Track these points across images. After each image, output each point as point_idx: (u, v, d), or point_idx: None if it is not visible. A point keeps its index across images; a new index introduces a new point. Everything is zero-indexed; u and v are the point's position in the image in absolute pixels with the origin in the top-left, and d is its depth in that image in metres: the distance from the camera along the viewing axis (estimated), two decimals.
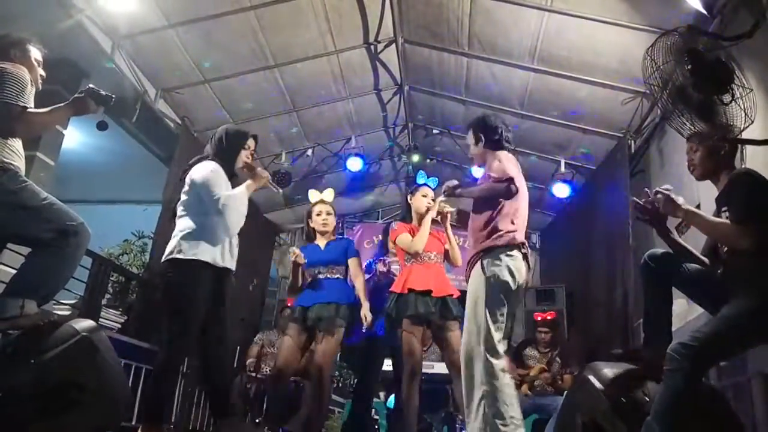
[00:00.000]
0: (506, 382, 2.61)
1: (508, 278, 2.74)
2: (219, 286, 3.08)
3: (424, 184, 4.07)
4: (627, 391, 2.38)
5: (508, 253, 2.79)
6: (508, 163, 2.87)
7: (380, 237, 8.61)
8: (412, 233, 3.78)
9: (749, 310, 2.17)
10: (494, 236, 2.80)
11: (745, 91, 3.11)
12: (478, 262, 2.79)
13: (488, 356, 2.58)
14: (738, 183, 2.38)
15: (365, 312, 3.76)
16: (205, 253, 2.99)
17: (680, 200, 2.43)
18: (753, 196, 2.30)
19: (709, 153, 2.54)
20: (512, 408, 2.59)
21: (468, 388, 2.62)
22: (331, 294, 3.73)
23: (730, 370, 3.33)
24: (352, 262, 3.90)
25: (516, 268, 2.79)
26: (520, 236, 2.87)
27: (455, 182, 3.18)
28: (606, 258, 5.63)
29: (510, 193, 2.80)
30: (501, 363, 2.61)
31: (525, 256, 2.87)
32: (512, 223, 2.85)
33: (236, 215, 3.06)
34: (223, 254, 3.08)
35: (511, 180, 2.77)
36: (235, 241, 3.18)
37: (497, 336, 2.65)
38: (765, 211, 2.26)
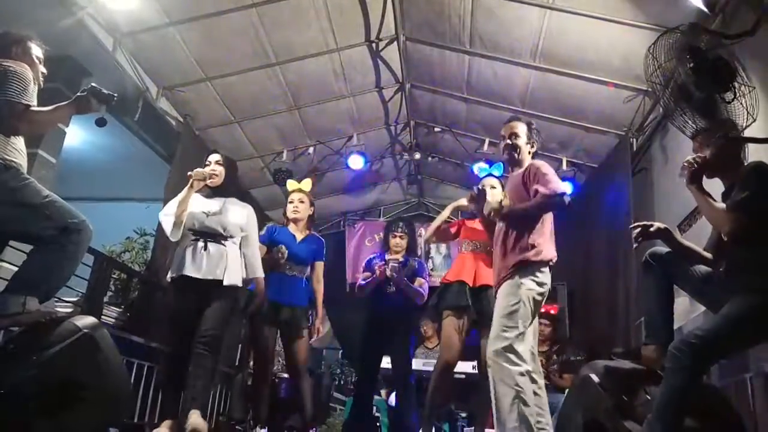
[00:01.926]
0: (530, 385, 2.67)
1: (540, 294, 2.82)
2: (189, 294, 3.30)
3: (488, 175, 4.10)
4: (628, 390, 2.39)
5: (542, 269, 2.87)
6: (556, 177, 2.95)
7: (381, 236, 8.62)
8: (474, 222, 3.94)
9: (751, 308, 2.17)
10: (532, 251, 2.85)
11: (748, 89, 3.11)
12: (516, 276, 2.82)
13: (517, 361, 2.66)
14: (749, 174, 2.37)
15: (319, 323, 4.01)
16: (171, 271, 3.39)
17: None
18: (758, 189, 2.29)
19: (720, 150, 2.52)
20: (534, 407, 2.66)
21: (500, 392, 2.65)
22: (296, 296, 3.92)
23: (731, 369, 3.33)
24: (318, 265, 4.07)
25: (546, 283, 2.88)
26: (551, 252, 2.94)
27: (501, 202, 3.15)
28: (607, 256, 5.62)
29: (563, 206, 2.89)
30: (528, 367, 2.68)
31: (551, 269, 2.95)
32: (543, 238, 2.92)
33: (165, 222, 3.36)
34: (184, 263, 3.32)
35: (564, 194, 2.85)
36: (205, 246, 3.36)
37: (522, 346, 2.71)
38: (760, 208, 2.26)
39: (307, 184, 4.18)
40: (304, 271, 3.96)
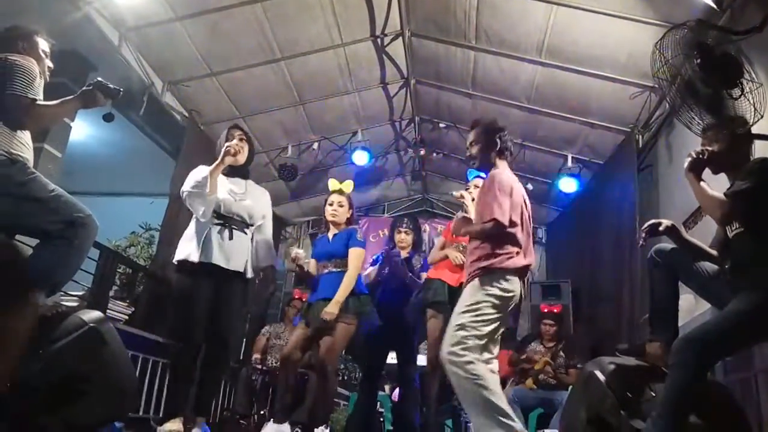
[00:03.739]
0: (496, 380, 2.61)
1: (502, 300, 2.71)
2: (212, 282, 3.16)
3: (477, 177, 4.06)
4: (632, 386, 2.38)
5: (507, 276, 2.75)
6: (501, 196, 2.79)
7: (386, 231, 8.62)
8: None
9: (755, 306, 2.16)
10: (496, 259, 2.76)
11: (755, 86, 3.10)
12: (477, 280, 2.75)
13: (476, 359, 2.59)
14: (754, 167, 2.35)
15: (331, 306, 3.56)
16: (180, 252, 3.19)
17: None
18: (760, 183, 2.28)
19: (730, 146, 2.50)
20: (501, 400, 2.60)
21: (463, 394, 2.60)
22: (331, 289, 3.66)
23: (736, 366, 3.33)
24: (350, 252, 3.77)
25: (512, 290, 2.75)
26: (521, 260, 2.80)
27: (462, 220, 3.10)
28: (612, 253, 5.62)
29: (497, 232, 2.75)
30: (473, 356, 2.60)
31: (522, 278, 2.82)
32: (515, 244, 2.80)
33: (197, 200, 3.14)
34: (212, 250, 3.14)
35: (496, 222, 2.72)
36: (231, 235, 3.23)
37: (483, 342, 2.64)
38: (758, 199, 2.25)
39: (348, 185, 4.05)
40: (340, 263, 3.75)
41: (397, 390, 5.74)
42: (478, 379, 2.55)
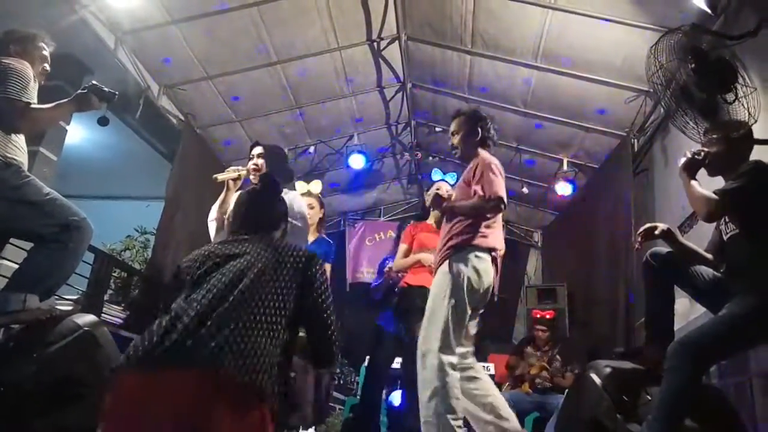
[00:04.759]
0: (457, 378, 2.61)
1: (474, 279, 2.69)
2: None
3: (440, 180, 4.00)
4: (628, 390, 2.39)
5: (477, 254, 2.74)
6: (500, 177, 2.81)
7: (382, 235, 8.64)
8: (427, 231, 3.82)
9: (750, 309, 2.17)
10: (465, 236, 2.76)
11: (749, 90, 3.11)
12: (446, 260, 2.76)
13: (440, 353, 2.60)
14: (745, 168, 2.37)
15: None
16: None
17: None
18: (748, 184, 2.29)
19: (726, 150, 2.51)
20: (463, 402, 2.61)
21: (422, 384, 2.64)
22: None
23: (731, 370, 3.33)
24: (326, 268, 3.89)
25: (483, 269, 2.73)
26: (493, 241, 2.81)
27: (444, 192, 3.08)
28: (608, 256, 5.62)
29: (498, 211, 2.78)
30: (453, 359, 2.61)
31: (494, 260, 2.81)
32: (486, 226, 2.80)
33: (209, 227, 3.20)
34: None
35: (500, 200, 2.72)
36: None
37: (453, 334, 2.64)
38: (745, 199, 2.26)
39: (316, 186, 4.07)
40: None
41: (394, 394, 5.71)
42: (442, 387, 2.54)
